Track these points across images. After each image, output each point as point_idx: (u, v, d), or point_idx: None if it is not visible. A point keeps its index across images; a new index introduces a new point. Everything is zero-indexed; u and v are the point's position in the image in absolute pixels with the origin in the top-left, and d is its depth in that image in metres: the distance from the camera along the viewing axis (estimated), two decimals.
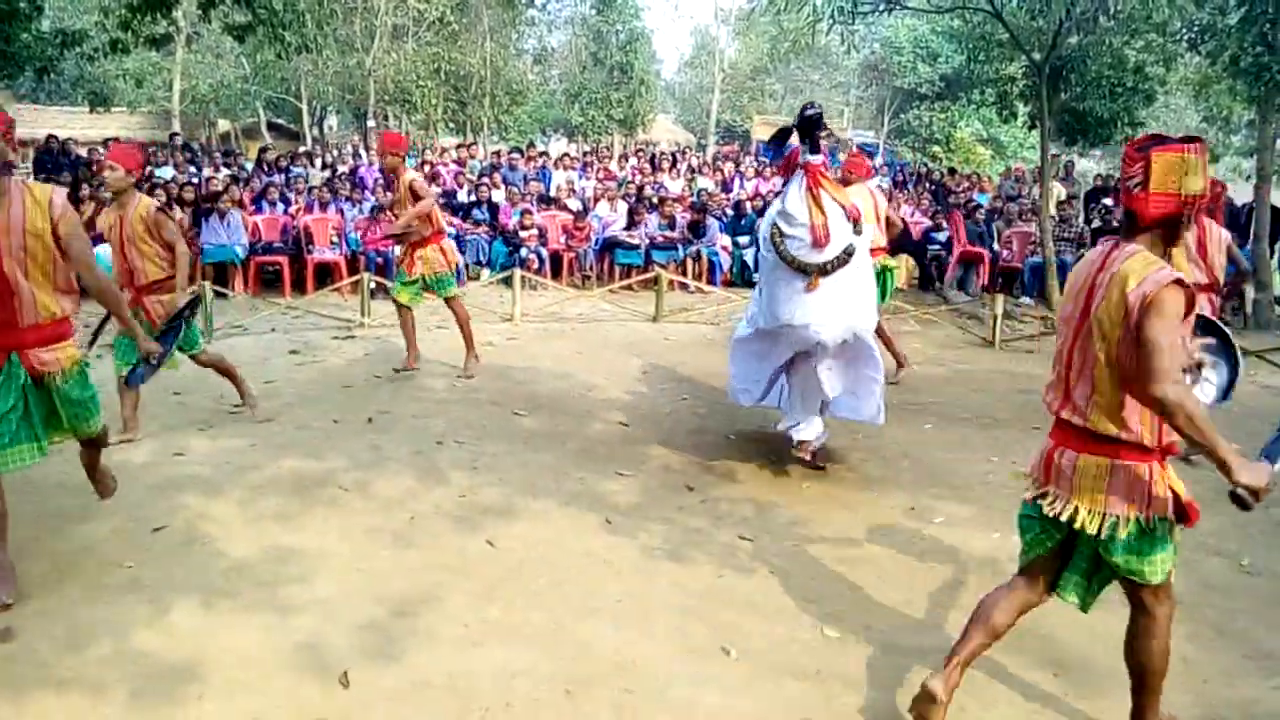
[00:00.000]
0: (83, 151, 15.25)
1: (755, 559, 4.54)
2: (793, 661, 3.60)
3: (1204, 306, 7.19)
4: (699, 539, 4.75)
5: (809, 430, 5.58)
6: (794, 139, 5.30)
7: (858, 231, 5.26)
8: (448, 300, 7.92)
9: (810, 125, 5.18)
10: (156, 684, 3.25)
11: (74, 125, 22.04)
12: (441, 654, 3.54)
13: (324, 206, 12.91)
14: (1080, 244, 13.46)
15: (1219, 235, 7.01)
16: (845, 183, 6.74)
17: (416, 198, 7.44)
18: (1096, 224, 14.15)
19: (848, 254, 5.15)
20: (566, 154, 19.78)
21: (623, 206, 14.44)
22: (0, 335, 3.67)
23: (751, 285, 13.31)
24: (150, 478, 5.21)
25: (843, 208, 5.17)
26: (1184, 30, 13.22)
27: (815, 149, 5.22)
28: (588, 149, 24.85)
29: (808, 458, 5.66)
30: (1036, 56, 12.38)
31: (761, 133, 29.18)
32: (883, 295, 7.61)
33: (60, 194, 3.76)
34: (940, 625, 3.95)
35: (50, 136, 15.58)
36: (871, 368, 5.59)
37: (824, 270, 5.10)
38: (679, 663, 3.56)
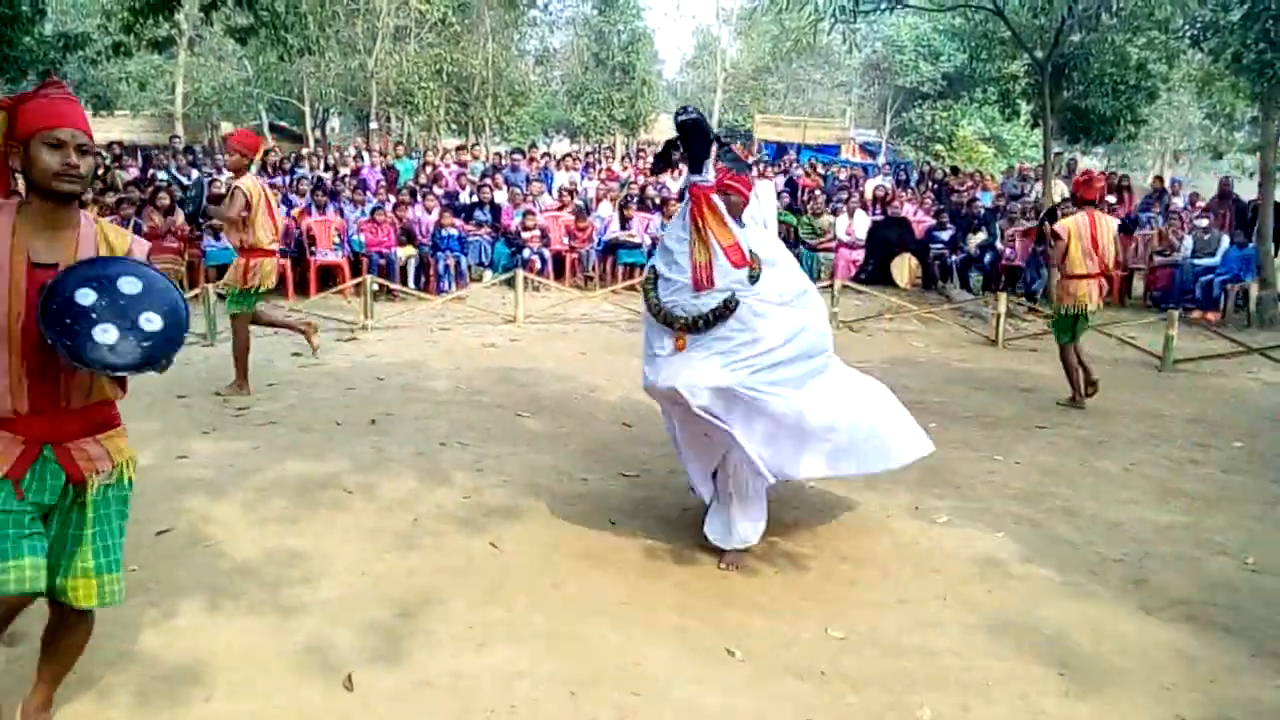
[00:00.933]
0: None
1: (759, 559, 4.53)
2: (797, 662, 3.60)
3: (1093, 294, 7.34)
4: (702, 540, 4.74)
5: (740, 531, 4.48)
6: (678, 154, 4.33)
7: (753, 278, 4.19)
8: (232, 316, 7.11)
9: (686, 134, 4.11)
10: (162, 686, 3.26)
11: None
12: (445, 655, 3.54)
13: (321, 209, 12.91)
14: None
15: (1109, 226, 7.34)
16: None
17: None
18: None
19: (728, 307, 4.12)
20: (569, 154, 19.80)
21: (606, 207, 14.46)
22: (35, 424, 2.61)
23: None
24: (154, 480, 5.21)
25: (726, 249, 4.13)
26: (1186, 27, 13.18)
27: (697, 167, 4.14)
28: (590, 149, 24.87)
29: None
30: (1039, 54, 12.37)
31: (764, 132, 29.16)
32: None
33: (141, 244, 2.97)
34: (944, 624, 3.94)
35: None
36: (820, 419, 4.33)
37: (692, 326, 4.15)
38: (683, 663, 3.55)
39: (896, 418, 4.78)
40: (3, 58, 10.60)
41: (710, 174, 4.17)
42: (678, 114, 4.15)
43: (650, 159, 19.74)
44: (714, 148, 4.24)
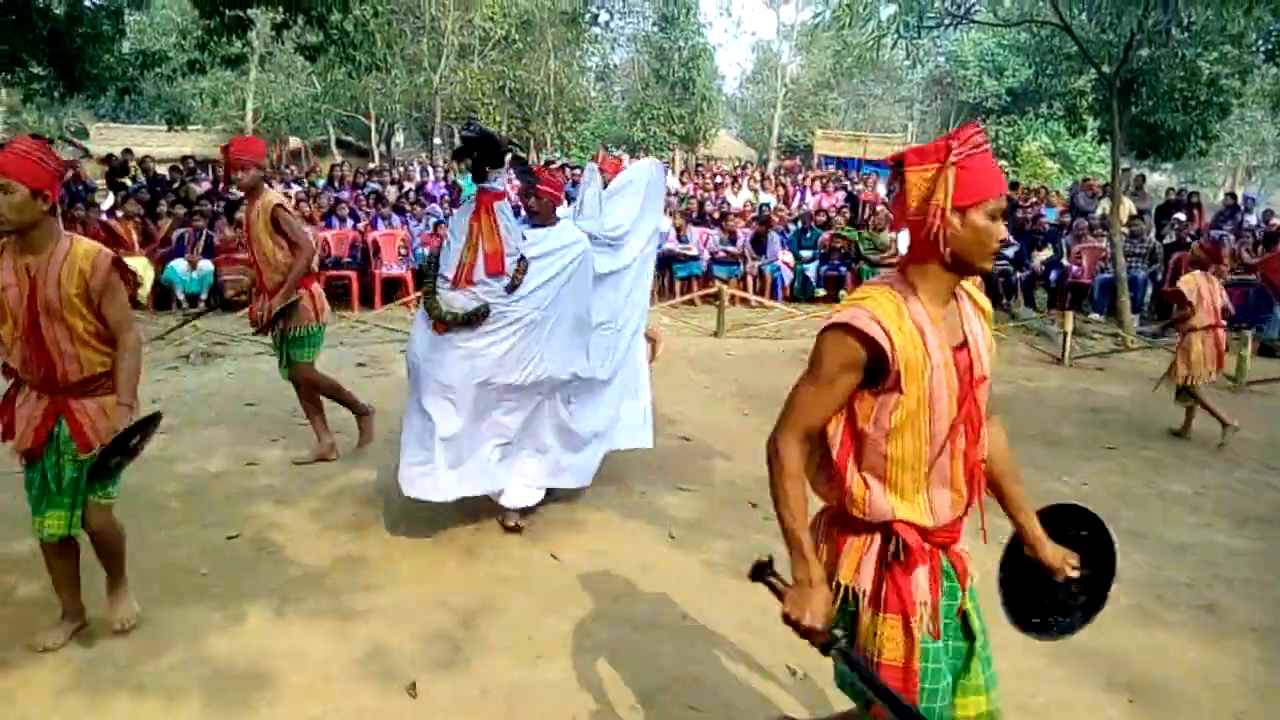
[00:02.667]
0: (162, 169, 15.71)
1: None
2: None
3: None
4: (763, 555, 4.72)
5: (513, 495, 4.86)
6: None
7: (510, 288, 4.51)
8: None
9: (472, 147, 4.45)
10: (229, 690, 3.33)
11: (152, 143, 22.71)
12: (505, 665, 3.57)
13: (387, 220, 13.12)
14: (1152, 259, 13.18)
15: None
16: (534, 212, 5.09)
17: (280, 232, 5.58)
18: (1170, 239, 13.84)
19: (479, 315, 4.46)
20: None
21: (665, 220, 14.49)
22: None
23: (813, 300, 13.30)
24: (223, 488, 5.34)
25: (488, 255, 4.45)
26: (1260, 41, 12.88)
27: (480, 176, 4.47)
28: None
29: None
30: (1107, 69, 12.16)
31: (824, 147, 29.04)
32: None
33: (105, 256, 3.49)
34: (1006, 647, 3.87)
35: (126, 151, 16.05)
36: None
37: (450, 321, 4.48)
38: (745, 680, 3.55)
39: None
40: (85, 75, 10.95)
41: (499, 182, 4.52)
42: (464, 127, 4.69)
43: (710, 174, 19.80)
44: (506, 159, 4.56)
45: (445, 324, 4.48)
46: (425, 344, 4.60)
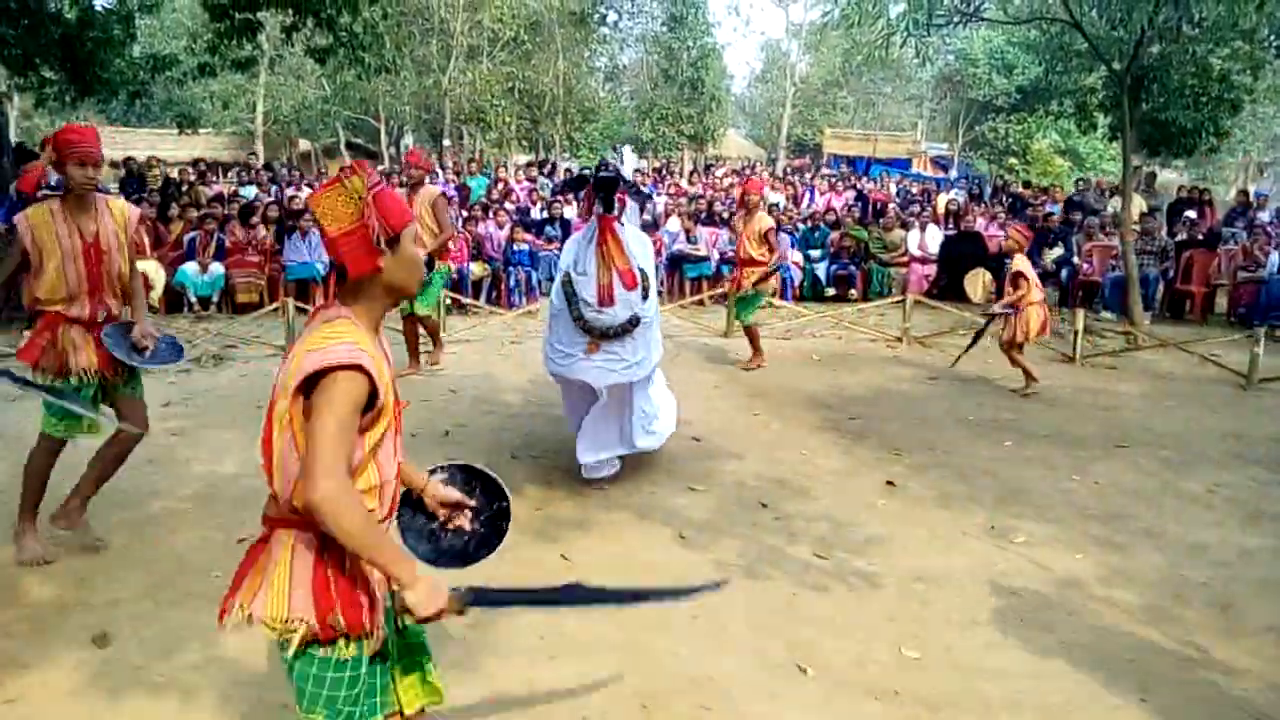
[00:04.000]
0: (173, 172, 15.77)
1: (831, 577, 4.50)
2: (871, 681, 3.56)
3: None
4: (773, 556, 4.72)
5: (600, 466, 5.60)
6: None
7: (644, 295, 5.18)
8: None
9: (605, 187, 5.08)
10: (244, 690, 3.34)
11: (163, 146, 22.79)
12: (518, 665, 3.58)
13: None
14: (1164, 257, 13.13)
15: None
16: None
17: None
18: (1181, 237, 13.78)
19: (632, 323, 5.10)
20: (637, 170, 19.91)
21: (674, 221, 14.50)
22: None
23: (823, 299, 13.29)
24: (236, 490, 5.36)
25: (621, 273, 5.04)
26: (1272, 37, 12.80)
27: (609, 207, 5.09)
28: (658, 164, 24.97)
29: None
30: (1117, 66, 12.11)
31: (833, 146, 29.03)
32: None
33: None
34: (1021, 646, 3.87)
35: (128, 158, 16.10)
36: (643, 401, 5.60)
37: (606, 335, 5.07)
38: (755, 679, 3.55)
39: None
40: (96, 79, 10.99)
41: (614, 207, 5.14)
42: (599, 169, 5.23)
43: (716, 174, 19.78)
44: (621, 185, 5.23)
45: (598, 344, 5.09)
46: (567, 361, 5.22)
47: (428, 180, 8.23)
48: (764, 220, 8.86)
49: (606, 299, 5.01)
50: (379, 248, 2.08)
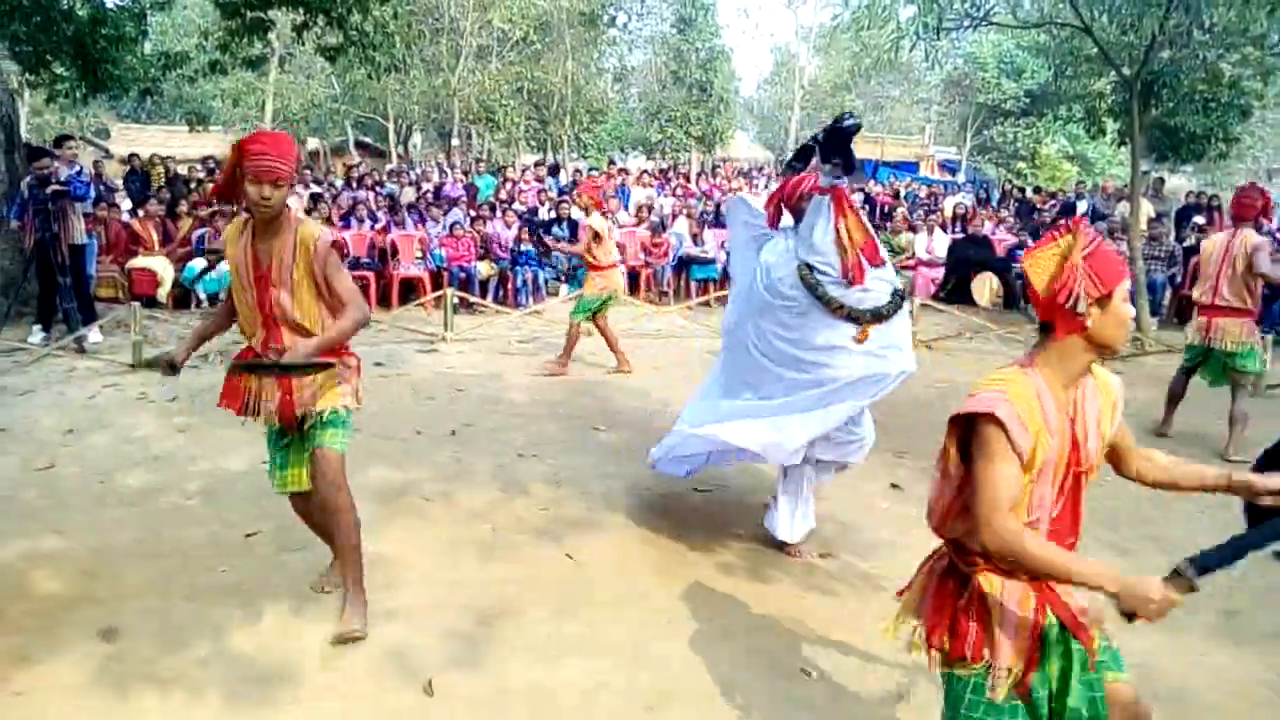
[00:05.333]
0: (182, 169, 15.80)
1: (836, 579, 4.51)
2: (874, 684, 3.57)
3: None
4: (779, 558, 4.73)
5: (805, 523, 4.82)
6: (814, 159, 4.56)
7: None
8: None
9: (845, 140, 4.48)
10: (251, 686, 3.36)
11: (173, 144, 22.86)
12: (523, 665, 3.59)
13: (401, 225, 13.18)
14: (1171, 262, 13.11)
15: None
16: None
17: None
18: (1189, 242, 13.75)
19: (900, 297, 4.49)
20: (644, 171, 19.94)
21: (682, 223, 14.51)
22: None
23: None
24: (242, 486, 5.38)
25: (865, 248, 4.41)
26: None
27: (849, 168, 4.49)
28: (666, 166, 24.99)
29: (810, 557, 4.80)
30: (1127, 71, 12.10)
31: None
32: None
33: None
34: None
35: (133, 155, 16.13)
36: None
37: (879, 316, 4.36)
38: (760, 681, 3.55)
39: None
40: (107, 76, 11.03)
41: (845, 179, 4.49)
42: (843, 117, 4.51)
43: (727, 175, 19.77)
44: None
45: (868, 331, 4.36)
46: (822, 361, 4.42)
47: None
48: (594, 222, 8.66)
49: (857, 278, 4.33)
50: (1078, 311, 2.13)
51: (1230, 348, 6.86)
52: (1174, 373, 7.60)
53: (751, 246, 4.90)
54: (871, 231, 4.52)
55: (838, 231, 4.36)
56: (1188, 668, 3.75)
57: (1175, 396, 7.50)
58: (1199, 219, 14.68)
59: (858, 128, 4.53)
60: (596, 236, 8.54)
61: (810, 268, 4.38)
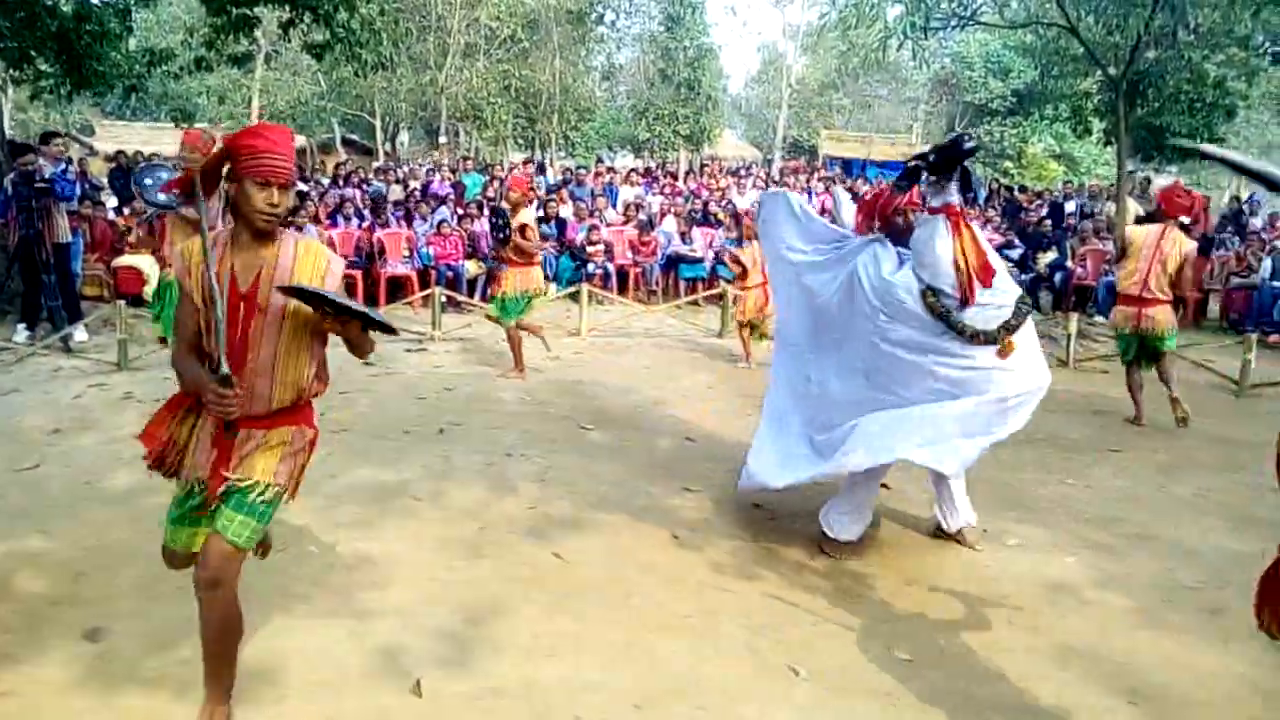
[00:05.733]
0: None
1: (824, 578, 4.52)
2: (863, 683, 3.58)
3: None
4: (767, 557, 4.74)
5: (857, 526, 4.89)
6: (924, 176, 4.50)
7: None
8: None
9: (961, 159, 4.39)
10: (238, 686, 3.33)
11: (159, 141, 22.72)
12: (512, 664, 3.58)
13: (384, 224, 13.15)
14: None
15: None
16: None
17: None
18: None
19: (1025, 304, 4.49)
20: (633, 169, 19.94)
21: (670, 221, 14.53)
22: None
23: None
24: None
25: (979, 270, 4.36)
26: (1267, 43, 12.88)
27: (966, 187, 4.45)
28: (654, 164, 24.99)
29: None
30: (1113, 71, 12.16)
31: (830, 148, 29.04)
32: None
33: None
34: (1012, 649, 3.89)
35: (119, 152, 16.03)
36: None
37: (1009, 329, 4.38)
38: (748, 680, 3.56)
39: None
40: (92, 72, 10.96)
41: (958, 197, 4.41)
42: (964, 139, 4.42)
43: (712, 173, 19.78)
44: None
45: (1011, 343, 4.40)
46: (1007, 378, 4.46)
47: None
48: (523, 216, 8.47)
49: (969, 299, 4.32)
50: None
51: (1159, 333, 7.37)
52: (1158, 370, 7.64)
53: (818, 248, 4.99)
54: (988, 250, 4.47)
55: (961, 249, 4.32)
56: (1172, 666, 3.78)
57: (1138, 387, 7.73)
58: (1184, 219, 14.75)
59: (977, 149, 4.49)
60: (524, 230, 8.36)
61: (935, 292, 4.36)
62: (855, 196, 17.56)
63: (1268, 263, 12.55)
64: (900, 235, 4.73)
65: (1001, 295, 4.41)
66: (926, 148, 4.88)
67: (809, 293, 5.01)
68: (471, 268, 12.80)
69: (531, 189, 10.16)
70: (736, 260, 9.73)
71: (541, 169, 20.11)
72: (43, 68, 11.15)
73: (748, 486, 5.10)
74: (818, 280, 4.95)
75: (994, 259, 4.47)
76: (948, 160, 4.35)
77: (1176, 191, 7.70)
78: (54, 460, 5.75)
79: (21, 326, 9.36)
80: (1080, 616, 4.21)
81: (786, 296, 5.32)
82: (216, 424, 2.96)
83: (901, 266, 4.55)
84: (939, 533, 5.03)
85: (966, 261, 4.31)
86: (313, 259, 2.93)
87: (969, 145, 4.38)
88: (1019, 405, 4.51)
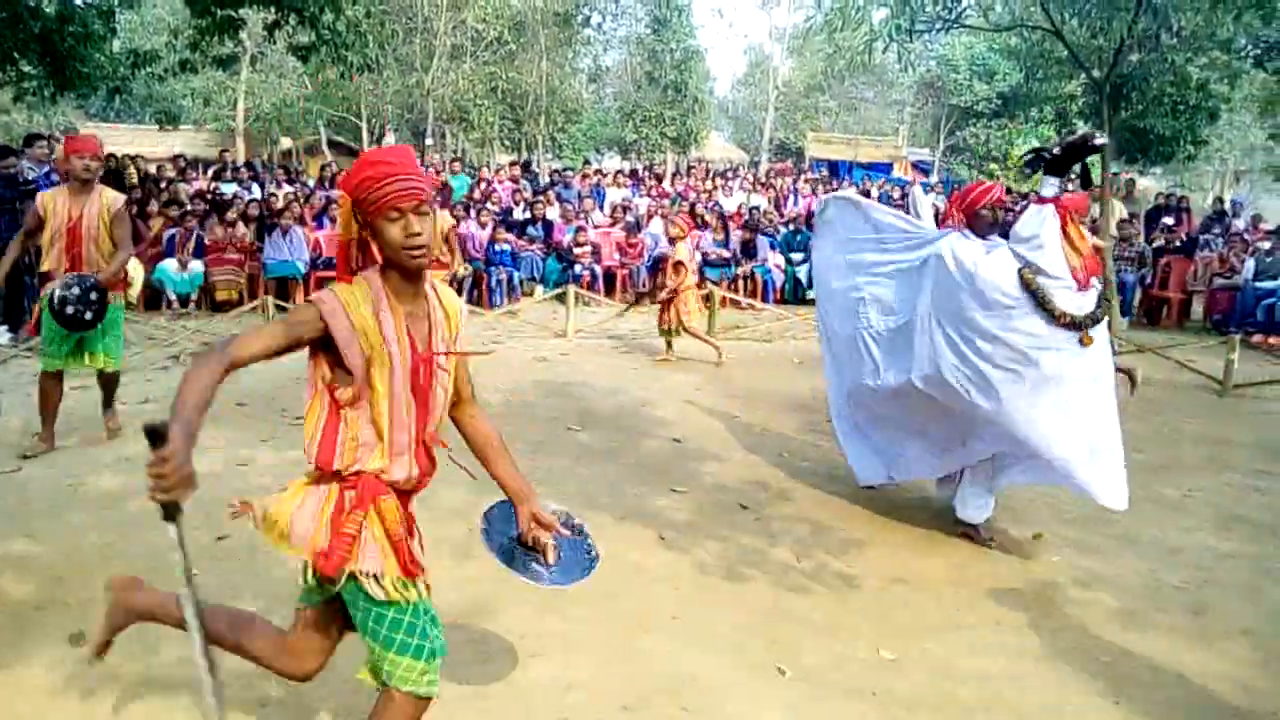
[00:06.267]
0: (152, 168, 15.66)
1: (810, 578, 4.53)
2: (849, 682, 3.58)
3: None
4: (754, 557, 4.74)
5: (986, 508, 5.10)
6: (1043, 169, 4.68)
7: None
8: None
9: (1085, 155, 4.64)
10: (223, 689, 3.32)
11: (143, 143, 22.64)
12: (498, 665, 3.57)
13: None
14: (1141, 263, 13.26)
15: None
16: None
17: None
18: (1159, 243, 13.92)
19: (1104, 300, 4.70)
20: (620, 171, 19.96)
21: (657, 223, 14.54)
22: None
23: (805, 302, 13.30)
24: (215, 488, 5.31)
25: (1087, 259, 4.55)
26: (1249, 47, 12.97)
27: (1088, 181, 4.94)
28: (639, 166, 25.00)
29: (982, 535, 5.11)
30: (1097, 74, 12.24)
31: (816, 150, 29.12)
32: None
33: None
34: (998, 649, 3.90)
35: (110, 155, 15.95)
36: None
37: (1095, 320, 4.51)
38: (735, 680, 3.56)
39: None
40: (75, 74, 10.90)
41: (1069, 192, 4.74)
42: (1094, 136, 4.57)
43: (697, 175, 19.79)
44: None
45: (1089, 335, 4.51)
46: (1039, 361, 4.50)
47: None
48: (444, 220, 8.32)
49: (1085, 283, 4.50)
50: None
51: None
52: (1143, 372, 7.65)
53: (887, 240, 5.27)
54: (1092, 242, 4.68)
55: (1066, 238, 4.46)
56: (1158, 665, 3.80)
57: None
58: (1168, 220, 14.87)
59: (1103, 146, 4.64)
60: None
61: (1035, 270, 4.45)
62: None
63: (1250, 263, 12.64)
64: (985, 230, 4.85)
65: (1095, 291, 4.58)
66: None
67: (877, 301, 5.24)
68: (460, 269, 12.78)
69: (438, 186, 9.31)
70: (680, 265, 9.27)
71: (527, 167, 20.12)
72: (26, 69, 11.08)
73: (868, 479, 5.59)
74: (887, 273, 5.23)
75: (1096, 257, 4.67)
76: (1071, 155, 4.54)
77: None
78: (37, 463, 5.72)
79: (4, 329, 9.30)
80: (1065, 616, 4.23)
81: (843, 306, 5.48)
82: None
83: (991, 251, 4.64)
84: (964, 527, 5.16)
85: (1080, 249, 4.49)
86: (451, 300, 2.63)
87: (1098, 141, 4.54)
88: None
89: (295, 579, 4.16)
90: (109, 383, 6.27)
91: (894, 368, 5.03)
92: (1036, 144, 29.08)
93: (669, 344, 9.64)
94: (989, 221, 4.85)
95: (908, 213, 5.53)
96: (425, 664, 2.50)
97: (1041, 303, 4.41)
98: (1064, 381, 4.51)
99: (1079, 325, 4.45)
